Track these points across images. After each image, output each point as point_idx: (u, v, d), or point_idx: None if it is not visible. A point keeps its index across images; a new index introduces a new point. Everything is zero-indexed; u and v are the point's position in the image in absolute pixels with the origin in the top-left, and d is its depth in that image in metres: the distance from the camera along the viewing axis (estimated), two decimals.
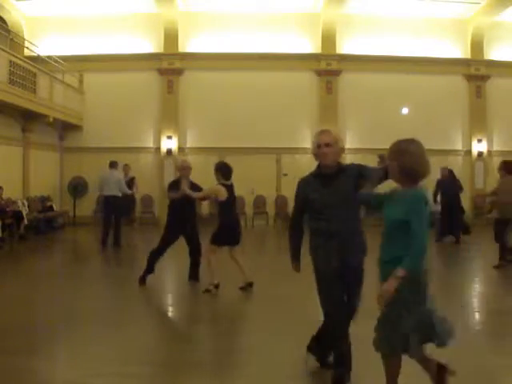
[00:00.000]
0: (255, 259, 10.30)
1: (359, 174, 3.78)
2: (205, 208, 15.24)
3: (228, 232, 7.11)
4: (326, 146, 3.77)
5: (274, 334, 5.20)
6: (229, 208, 7.13)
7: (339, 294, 3.79)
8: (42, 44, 16.71)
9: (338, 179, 3.79)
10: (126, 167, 14.45)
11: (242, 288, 7.10)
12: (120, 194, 11.90)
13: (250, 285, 7.13)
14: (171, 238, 7.60)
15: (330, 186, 3.78)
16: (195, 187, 7.61)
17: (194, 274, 7.70)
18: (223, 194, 7.04)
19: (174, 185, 7.68)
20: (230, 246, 7.25)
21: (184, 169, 7.76)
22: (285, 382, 4.05)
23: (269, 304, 6.56)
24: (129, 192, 12.51)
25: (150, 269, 7.55)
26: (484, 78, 17.77)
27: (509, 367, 4.34)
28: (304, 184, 3.93)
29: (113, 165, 12.19)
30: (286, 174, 16.65)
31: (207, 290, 6.98)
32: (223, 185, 7.11)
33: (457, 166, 17.81)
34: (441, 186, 12.82)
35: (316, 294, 3.86)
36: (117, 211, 11.90)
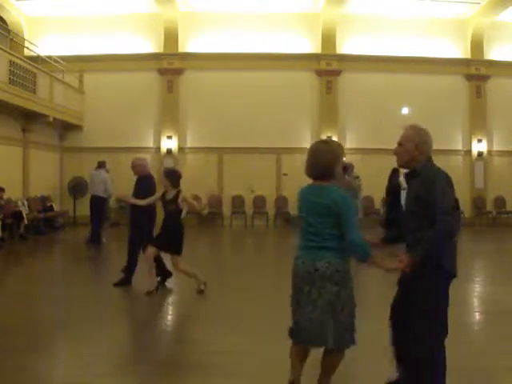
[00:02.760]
0: (253, 260, 10.33)
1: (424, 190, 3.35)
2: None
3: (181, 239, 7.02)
4: (398, 145, 3.51)
5: (272, 334, 5.20)
6: (179, 215, 7.08)
7: None
8: (42, 44, 16.71)
9: (411, 183, 3.49)
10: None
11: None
12: (105, 195, 12.05)
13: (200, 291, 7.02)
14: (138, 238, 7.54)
15: (409, 186, 3.55)
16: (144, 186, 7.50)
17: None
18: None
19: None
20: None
21: (133, 167, 7.70)
22: (282, 381, 4.04)
23: (268, 305, 6.56)
24: (111, 194, 12.50)
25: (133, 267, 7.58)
26: (484, 78, 17.78)
27: (509, 369, 4.33)
28: None
29: (100, 165, 12.31)
30: (285, 174, 16.65)
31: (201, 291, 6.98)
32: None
33: (457, 165, 17.84)
34: None
35: None
36: (100, 211, 12.09)
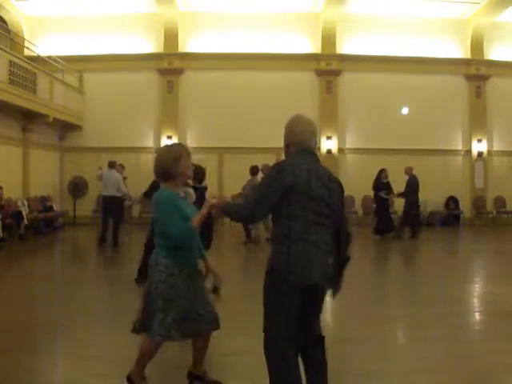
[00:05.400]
0: (254, 258, 10.31)
1: None
2: None
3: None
4: None
5: None
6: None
7: None
8: (42, 44, 16.71)
9: None
10: (119, 167, 13.18)
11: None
12: (118, 195, 11.95)
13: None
14: None
15: None
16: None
17: None
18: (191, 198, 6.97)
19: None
20: None
21: None
22: None
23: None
24: (126, 192, 12.43)
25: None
26: (484, 78, 17.78)
27: (508, 368, 4.34)
28: None
29: (111, 164, 12.23)
30: None
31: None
32: (194, 187, 6.98)
33: (457, 166, 17.86)
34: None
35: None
36: (114, 211, 11.95)
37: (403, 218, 13.88)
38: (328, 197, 3.16)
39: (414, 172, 13.77)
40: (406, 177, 13.75)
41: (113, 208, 11.89)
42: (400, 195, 14.04)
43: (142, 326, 3.72)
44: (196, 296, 3.62)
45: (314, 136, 3.30)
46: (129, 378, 3.72)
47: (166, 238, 3.52)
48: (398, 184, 13.89)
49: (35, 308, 6.52)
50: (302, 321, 3.22)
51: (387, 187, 13.90)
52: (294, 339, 3.19)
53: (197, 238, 3.65)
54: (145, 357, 3.70)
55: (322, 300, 3.31)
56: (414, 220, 14.01)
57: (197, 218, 3.48)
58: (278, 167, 3.15)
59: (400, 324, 5.88)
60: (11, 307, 6.47)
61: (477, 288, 8.11)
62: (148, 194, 7.41)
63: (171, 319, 3.51)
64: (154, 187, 7.45)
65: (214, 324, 3.69)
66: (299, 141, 3.26)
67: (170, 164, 3.55)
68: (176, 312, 3.52)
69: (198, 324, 3.60)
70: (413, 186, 13.60)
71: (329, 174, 3.25)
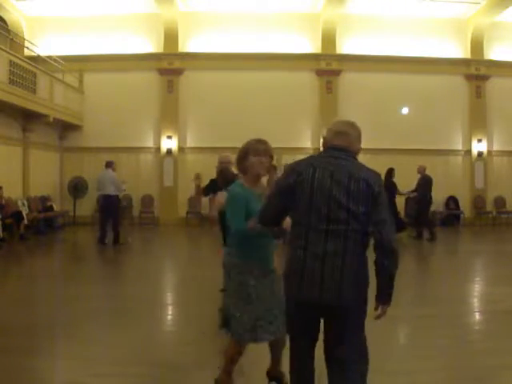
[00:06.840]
0: None
1: None
2: None
3: None
4: None
5: None
6: None
7: None
8: (42, 44, 16.70)
9: None
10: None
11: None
12: (115, 193, 12.11)
13: None
14: None
15: None
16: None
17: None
18: None
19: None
20: None
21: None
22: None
23: None
24: (122, 190, 12.58)
25: None
26: (484, 78, 17.77)
27: (508, 367, 4.33)
28: None
29: (108, 164, 12.37)
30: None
31: None
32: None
33: (457, 165, 17.86)
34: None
35: None
36: (112, 210, 12.06)
37: (421, 218, 13.67)
38: (346, 199, 2.74)
39: (427, 171, 13.64)
40: (418, 175, 13.64)
41: (110, 207, 12.01)
42: (413, 192, 13.91)
43: (224, 323, 3.68)
44: (274, 296, 3.47)
45: (340, 134, 2.93)
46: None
47: (233, 236, 3.55)
48: (399, 184, 13.88)
49: (35, 308, 6.51)
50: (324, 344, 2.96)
51: (395, 186, 13.77)
52: (303, 369, 2.95)
53: (267, 237, 3.50)
54: (232, 360, 3.61)
55: (340, 325, 2.88)
56: (426, 220, 13.91)
57: (250, 224, 3.39)
58: (288, 166, 2.98)
59: (401, 324, 5.87)
60: (11, 307, 6.47)
61: (477, 288, 8.11)
62: (204, 192, 7.34)
63: (246, 318, 3.43)
64: (210, 186, 7.27)
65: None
66: (327, 140, 3.01)
67: (238, 159, 3.62)
68: (249, 312, 3.43)
69: (272, 325, 3.47)
70: (424, 185, 13.50)
71: (354, 173, 2.79)
